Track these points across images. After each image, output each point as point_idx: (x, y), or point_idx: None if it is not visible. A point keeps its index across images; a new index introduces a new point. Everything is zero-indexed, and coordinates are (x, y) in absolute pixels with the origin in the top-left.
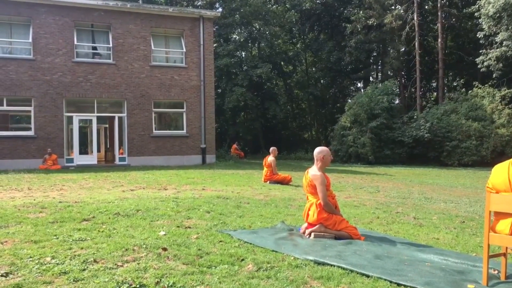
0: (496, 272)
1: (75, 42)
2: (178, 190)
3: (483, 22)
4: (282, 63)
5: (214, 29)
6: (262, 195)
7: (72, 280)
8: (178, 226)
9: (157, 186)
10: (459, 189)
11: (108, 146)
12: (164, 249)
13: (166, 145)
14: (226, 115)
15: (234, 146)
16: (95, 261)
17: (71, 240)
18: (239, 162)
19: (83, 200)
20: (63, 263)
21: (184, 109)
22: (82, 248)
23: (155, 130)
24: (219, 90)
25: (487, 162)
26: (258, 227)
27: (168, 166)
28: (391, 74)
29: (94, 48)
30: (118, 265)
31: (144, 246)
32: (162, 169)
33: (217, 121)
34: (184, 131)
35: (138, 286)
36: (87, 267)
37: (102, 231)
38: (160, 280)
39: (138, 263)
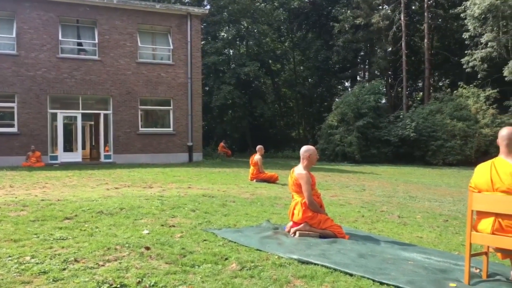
0: (478, 270)
1: (60, 38)
2: (164, 188)
3: (469, 23)
4: (270, 61)
5: (202, 26)
6: (248, 193)
7: (51, 280)
8: (162, 225)
9: (142, 184)
10: (443, 188)
11: (93, 144)
12: (147, 248)
13: (153, 143)
14: (214, 113)
15: (221, 144)
16: (75, 260)
17: (52, 239)
18: (226, 160)
19: (66, 198)
20: (42, 263)
21: (171, 107)
22: (63, 247)
23: (141, 127)
24: (207, 88)
25: (471, 162)
26: (243, 226)
27: (154, 164)
28: (378, 73)
29: (79, 44)
30: (99, 265)
31: (127, 245)
32: (148, 167)
33: (204, 119)
34: (171, 128)
35: (119, 286)
36: (67, 266)
37: (84, 230)
38: (142, 279)
39: (120, 263)
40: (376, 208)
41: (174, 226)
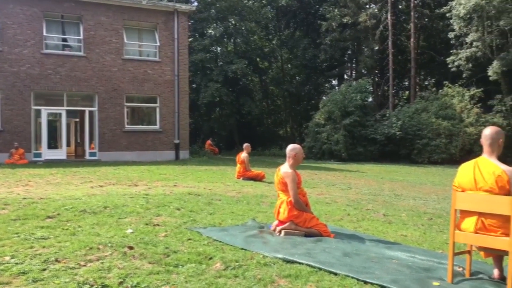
0: (461, 269)
1: (44, 33)
2: (149, 187)
3: (454, 23)
4: (257, 59)
5: (189, 23)
6: (234, 191)
7: (31, 280)
8: (147, 224)
9: (128, 182)
10: (428, 186)
11: (78, 141)
12: (130, 248)
13: (139, 140)
14: (201, 111)
15: (209, 142)
16: (56, 260)
17: (33, 238)
18: (213, 158)
19: (49, 197)
20: (22, 263)
21: (158, 104)
22: (44, 247)
23: (127, 125)
24: (194, 86)
25: (456, 160)
26: (229, 225)
27: (140, 162)
28: (365, 72)
29: (64, 40)
30: (80, 265)
31: (110, 244)
32: (134, 164)
33: (191, 116)
34: (157, 126)
35: (100, 286)
36: (48, 267)
37: (67, 229)
38: (124, 280)
39: (102, 263)
40: (362, 207)
41: (158, 225)
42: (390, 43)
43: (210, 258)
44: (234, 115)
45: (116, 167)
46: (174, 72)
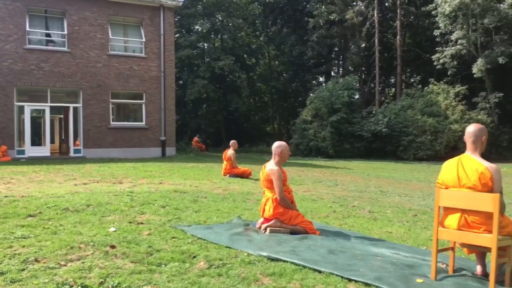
0: (444, 265)
1: (27, 28)
2: (134, 184)
3: (440, 21)
4: (245, 55)
5: (176, 19)
6: (220, 189)
7: (8, 281)
8: (130, 222)
9: (112, 179)
10: (413, 182)
11: (62, 138)
12: (112, 247)
13: (124, 137)
14: (188, 107)
15: (195, 138)
16: (36, 260)
17: (12, 237)
18: (199, 155)
19: (31, 194)
20: (1, 263)
21: (144, 101)
22: (23, 246)
23: (112, 121)
24: (181, 82)
25: (440, 157)
26: (214, 223)
27: (126, 159)
28: (352, 69)
29: (48, 35)
30: (61, 265)
31: (91, 243)
32: (119, 161)
33: (178, 113)
34: (143, 123)
35: (80, 287)
36: (27, 267)
37: (48, 228)
38: (105, 280)
39: (83, 262)
40: (348, 203)
41: (142, 223)
42: (376, 40)
43: (194, 257)
44: (221, 111)
45: (101, 164)
46: (160, 68)
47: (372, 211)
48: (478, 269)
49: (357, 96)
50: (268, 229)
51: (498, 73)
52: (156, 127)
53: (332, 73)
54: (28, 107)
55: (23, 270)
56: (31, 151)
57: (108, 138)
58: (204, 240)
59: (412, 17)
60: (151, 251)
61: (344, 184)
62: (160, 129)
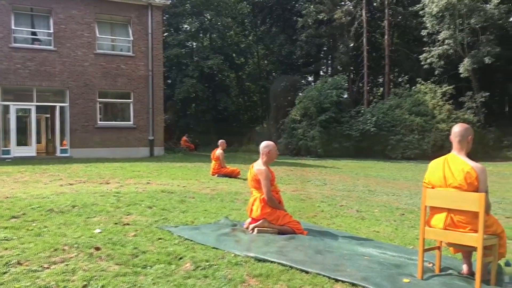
0: (431, 265)
1: (13, 27)
2: (121, 184)
3: (427, 21)
4: (234, 55)
5: (164, 18)
6: (208, 189)
7: None
8: (116, 223)
9: (99, 180)
10: (401, 182)
11: (49, 137)
12: (97, 249)
13: (112, 137)
14: (177, 107)
15: (184, 138)
16: (18, 263)
17: None
18: (188, 154)
19: (15, 195)
20: None
21: (131, 100)
22: (6, 249)
23: (100, 121)
24: (169, 81)
25: (428, 156)
26: (201, 223)
27: (113, 159)
28: (341, 68)
29: (34, 33)
30: (43, 267)
31: (76, 245)
32: (106, 161)
33: (166, 112)
34: (131, 122)
35: None
36: (9, 270)
37: (31, 230)
38: (89, 283)
39: (67, 265)
40: (336, 203)
41: (128, 224)
42: (364, 40)
43: (180, 258)
44: (210, 111)
45: (87, 164)
46: (148, 67)
47: (359, 210)
48: (464, 268)
49: (345, 96)
50: (255, 229)
51: (484, 73)
52: (144, 126)
53: (321, 73)
54: (14, 107)
55: (5, 273)
56: (17, 151)
57: (95, 137)
58: (191, 241)
59: (400, 17)
60: (137, 252)
61: (333, 183)
62: (148, 128)
